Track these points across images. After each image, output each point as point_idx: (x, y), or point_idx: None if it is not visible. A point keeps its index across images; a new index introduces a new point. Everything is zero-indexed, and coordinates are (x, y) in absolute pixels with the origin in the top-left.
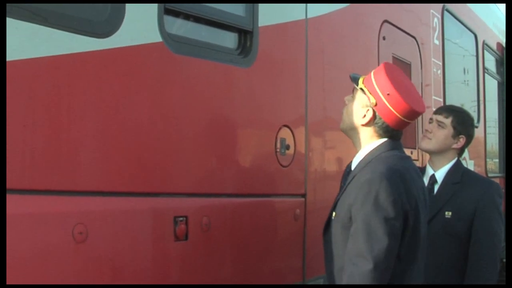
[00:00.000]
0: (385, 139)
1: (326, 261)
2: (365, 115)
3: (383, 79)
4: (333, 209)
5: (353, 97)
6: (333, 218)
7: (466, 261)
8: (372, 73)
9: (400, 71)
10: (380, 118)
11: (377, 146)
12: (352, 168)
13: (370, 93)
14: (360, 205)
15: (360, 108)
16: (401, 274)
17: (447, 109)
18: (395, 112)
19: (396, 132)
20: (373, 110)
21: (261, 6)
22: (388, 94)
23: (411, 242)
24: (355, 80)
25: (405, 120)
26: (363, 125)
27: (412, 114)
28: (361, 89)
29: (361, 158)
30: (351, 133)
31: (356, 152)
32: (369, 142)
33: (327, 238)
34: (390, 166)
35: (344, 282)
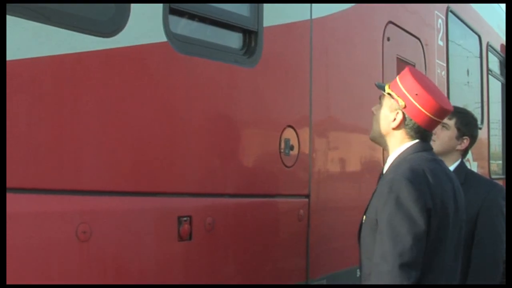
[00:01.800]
0: (415, 141)
1: (360, 266)
2: (395, 119)
3: (410, 81)
4: (365, 213)
5: (380, 105)
6: (363, 222)
7: (469, 262)
8: (397, 78)
9: (423, 73)
10: (411, 120)
11: (406, 149)
12: (384, 171)
13: (398, 96)
14: (382, 205)
15: (389, 113)
16: (426, 273)
17: None
18: (424, 111)
19: (426, 133)
20: (403, 113)
21: (266, 7)
22: (416, 95)
23: (434, 244)
24: (381, 87)
25: (435, 118)
26: (393, 128)
27: (441, 112)
28: (389, 94)
29: (391, 161)
30: (382, 140)
31: (387, 155)
32: (400, 145)
33: (360, 242)
34: (413, 166)
35: (372, 283)
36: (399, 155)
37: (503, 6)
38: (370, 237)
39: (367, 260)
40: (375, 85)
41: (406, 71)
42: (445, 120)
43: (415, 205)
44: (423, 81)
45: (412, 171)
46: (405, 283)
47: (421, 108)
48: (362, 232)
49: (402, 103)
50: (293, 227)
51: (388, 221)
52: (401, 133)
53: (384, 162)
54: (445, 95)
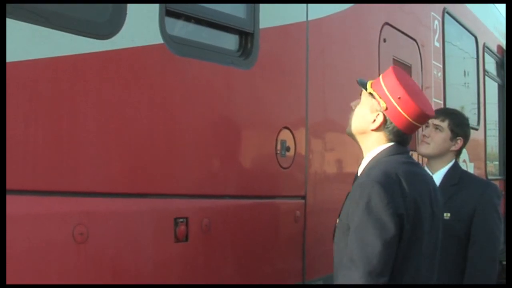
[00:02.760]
0: (391, 144)
1: (334, 268)
2: (375, 120)
3: (393, 83)
4: (339, 216)
5: (360, 102)
6: (337, 224)
7: (465, 262)
8: (380, 77)
9: (407, 74)
10: (391, 123)
11: (382, 151)
12: (358, 174)
13: (380, 97)
14: (353, 209)
15: (370, 113)
16: (398, 277)
17: (442, 112)
18: (406, 116)
19: (406, 137)
20: (384, 115)
21: (262, 9)
22: (399, 98)
23: (407, 249)
24: (362, 84)
25: (416, 123)
26: (372, 130)
27: (423, 118)
28: (370, 93)
29: (366, 163)
30: (358, 137)
31: (362, 157)
32: (376, 146)
33: (334, 246)
34: (386, 169)
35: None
36: (373, 158)
37: (499, 7)
38: (343, 241)
39: (338, 263)
40: (357, 81)
41: (390, 71)
42: (438, 122)
43: (386, 210)
44: (406, 83)
45: (385, 175)
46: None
47: (403, 113)
48: (336, 236)
49: (383, 105)
50: (290, 228)
51: (357, 226)
52: (378, 135)
53: None
54: (429, 97)
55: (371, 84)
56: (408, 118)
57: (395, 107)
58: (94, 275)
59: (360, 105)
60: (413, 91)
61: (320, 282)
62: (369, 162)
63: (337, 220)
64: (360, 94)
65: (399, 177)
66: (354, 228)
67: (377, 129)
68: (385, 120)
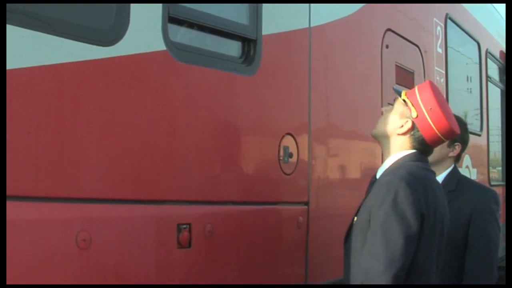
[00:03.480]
0: (414, 150)
1: (345, 269)
2: (403, 125)
3: (428, 94)
4: (355, 214)
5: (392, 108)
6: (354, 223)
7: (463, 267)
8: (416, 87)
9: (441, 92)
10: (418, 131)
11: (405, 156)
12: (378, 176)
13: (413, 105)
14: (378, 205)
15: (399, 118)
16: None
17: None
18: (434, 127)
19: (428, 148)
20: (412, 122)
21: (265, 15)
22: (430, 109)
23: (424, 248)
24: (397, 92)
25: (441, 137)
26: (398, 134)
27: (449, 133)
28: (404, 100)
29: (387, 167)
30: (383, 140)
31: (382, 160)
32: (399, 151)
33: (347, 246)
34: (411, 171)
35: (359, 283)
36: (396, 161)
37: (502, 12)
38: (360, 238)
39: (356, 262)
40: (393, 88)
41: (426, 83)
42: None
43: (411, 208)
44: (439, 98)
45: (411, 175)
46: (394, 283)
47: (431, 123)
48: (353, 234)
49: (414, 113)
50: (292, 234)
51: (382, 222)
52: (403, 140)
53: None
54: None
55: (406, 92)
56: (435, 129)
57: (425, 116)
58: (97, 281)
59: (392, 110)
60: (444, 107)
61: None
62: (392, 164)
63: (354, 219)
64: (394, 101)
65: (422, 180)
66: (380, 223)
67: (403, 134)
68: (412, 127)
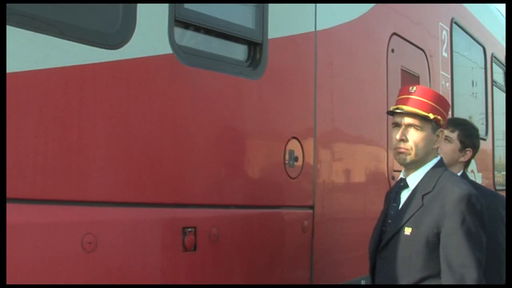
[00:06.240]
0: (440, 157)
1: (377, 278)
2: (438, 136)
3: (440, 98)
4: (403, 224)
5: (418, 130)
6: (407, 234)
7: None
8: (426, 100)
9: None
10: (443, 132)
11: (437, 163)
12: (410, 185)
13: (441, 117)
14: (458, 217)
15: (433, 134)
16: None
17: (452, 123)
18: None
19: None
20: (443, 130)
21: (271, 19)
22: (447, 110)
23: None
24: (417, 115)
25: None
26: (434, 148)
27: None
28: (424, 118)
29: (422, 175)
30: (422, 160)
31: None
32: (431, 159)
33: (387, 254)
34: (466, 182)
35: None
36: (431, 169)
37: (498, 6)
38: (425, 249)
39: (414, 271)
40: (418, 113)
41: (435, 93)
42: (448, 133)
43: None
44: (434, 92)
45: (470, 185)
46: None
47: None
48: (403, 244)
49: (443, 122)
50: (298, 239)
51: (474, 233)
52: (435, 148)
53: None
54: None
55: (428, 111)
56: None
57: (446, 118)
58: (102, 283)
59: (418, 131)
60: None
61: None
62: (426, 174)
63: (404, 229)
64: (413, 127)
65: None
66: (468, 235)
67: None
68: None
